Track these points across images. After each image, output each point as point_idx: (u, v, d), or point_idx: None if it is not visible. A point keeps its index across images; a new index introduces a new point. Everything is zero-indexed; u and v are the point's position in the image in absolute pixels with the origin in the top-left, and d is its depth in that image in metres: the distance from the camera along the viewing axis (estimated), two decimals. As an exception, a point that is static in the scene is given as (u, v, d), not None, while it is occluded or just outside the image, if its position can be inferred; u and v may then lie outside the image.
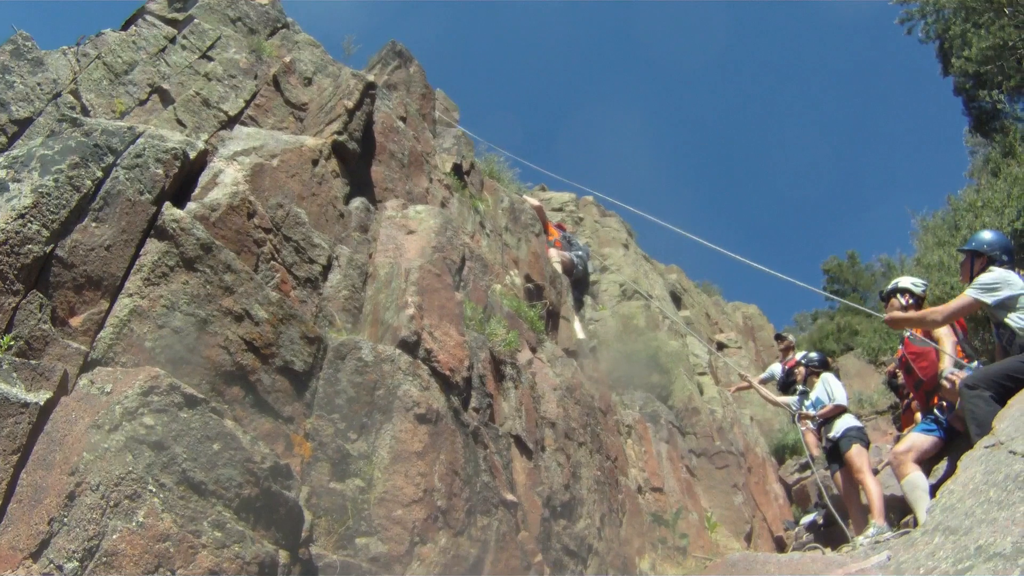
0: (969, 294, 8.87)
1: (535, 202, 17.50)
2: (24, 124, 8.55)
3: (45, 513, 4.69)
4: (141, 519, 4.69)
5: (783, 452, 20.13)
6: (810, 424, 16.33)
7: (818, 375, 13.49)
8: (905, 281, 10.74)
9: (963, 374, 9.11)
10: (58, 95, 9.03)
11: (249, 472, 5.36)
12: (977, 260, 9.38)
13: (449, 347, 8.39)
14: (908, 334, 10.36)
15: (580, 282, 18.28)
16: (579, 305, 17.78)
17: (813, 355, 14.61)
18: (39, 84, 8.95)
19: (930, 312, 9.32)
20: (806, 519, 15.59)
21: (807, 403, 13.38)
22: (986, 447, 7.33)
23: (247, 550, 5.06)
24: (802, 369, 14.59)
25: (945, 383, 9.34)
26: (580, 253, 17.92)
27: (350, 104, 10.26)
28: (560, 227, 19.21)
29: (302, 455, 6.53)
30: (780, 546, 15.90)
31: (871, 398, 23.20)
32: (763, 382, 18.52)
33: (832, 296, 23.77)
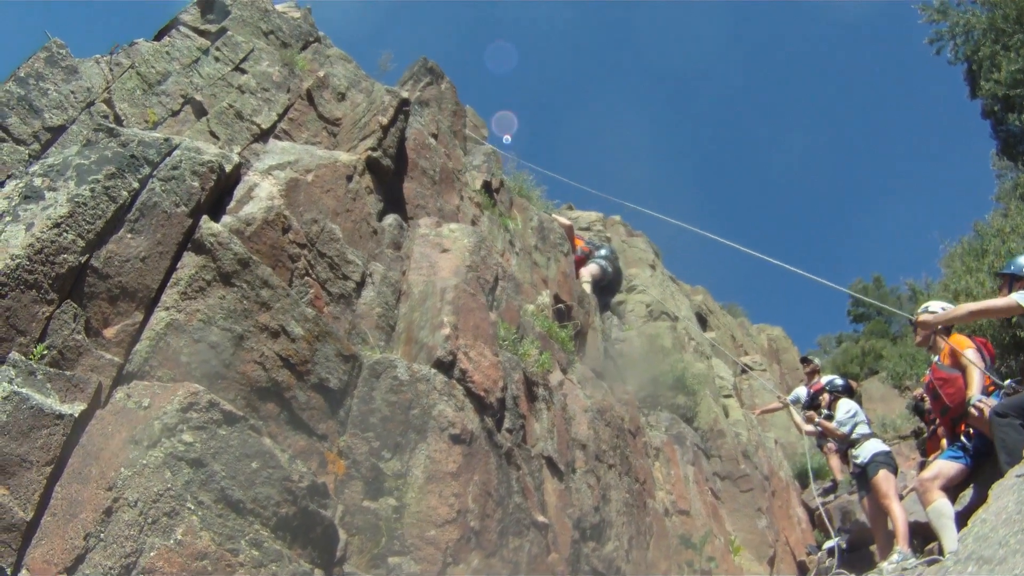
0: (1015, 297, 8.81)
1: (565, 221, 17.44)
2: (57, 132, 8.53)
3: (81, 528, 4.65)
4: (179, 536, 4.65)
5: (806, 476, 20.04)
6: (833, 446, 16.30)
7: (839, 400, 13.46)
8: (935, 306, 10.66)
9: (992, 402, 9.04)
10: (91, 103, 9.01)
11: (287, 491, 5.32)
12: (1016, 283, 9.32)
13: (484, 367, 8.33)
14: (935, 359, 10.28)
15: (613, 283, 18.22)
16: (605, 307, 17.75)
17: (838, 381, 14.56)
18: (73, 92, 8.93)
19: (968, 304, 9.31)
20: (829, 544, 15.50)
21: (832, 425, 13.30)
22: (1018, 476, 7.27)
23: (283, 569, 5.02)
24: (826, 396, 14.52)
25: (973, 411, 9.26)
26: (603, 255, 17.79)
27: (385, 120, 10.22)
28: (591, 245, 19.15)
29: (336, 473, 6.48)
30: (802, 571, 15.84)
31: (894, 423, 23.10)
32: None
33: (858, 295, 23.55)
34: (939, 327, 10.25)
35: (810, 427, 14.91)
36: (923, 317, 9.91)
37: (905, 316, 12.92)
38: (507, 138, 17.05)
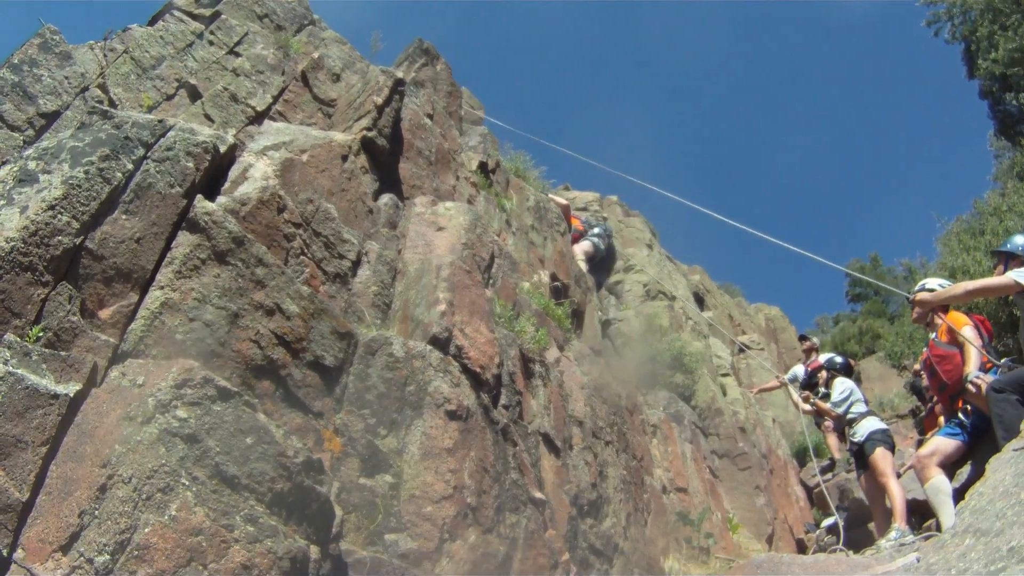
0: (1011, 275, 8.83)
1: (562, 201, 17.46)
2: (52, 117, 8.54)
3: (76, 506, 4.66)
4: (174, 512, 4.67)
5: (804, 454, 20.08)
6: (830, 424, 16.35)
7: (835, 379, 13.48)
8: (932, 283, 10.67)
9: (989, 378, 9.06)
10: (86, 89, 9.02)
11: (282, 466, 5.33)
12: (1012, 262, 9.33)
13: (480, 344, 8.35)
14: (933, 336, 10.31)
15: (606, 260, 18.20)
16: (599, 286, 17.75)
17: (837, 359, 14.59)
18: (67, 78, 8.94)
19: (964, 283, 9.32)
20: (827, 521, 15.56)
21: (827, 406, 13.32)
22: (1015, 450, 7.30)
23: (279, 545, 5.03)
24: (824, 373, 14.55)
25: (970, 387, 9.29)
26: (596, 233, 17.76)
27: (379, 100, 10.22)
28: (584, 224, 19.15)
29: (332, 450, 6.49)
30: (800, 548, 15.89)
31: (892, 402, 23.21)
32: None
33: (853, 272, 23.57)
34: (919, 294, 10.28)
35: (807, 406, 14.95)
36: (921, 296, 9.93)
37: (902, 294, 12.96)
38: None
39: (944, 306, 10.33)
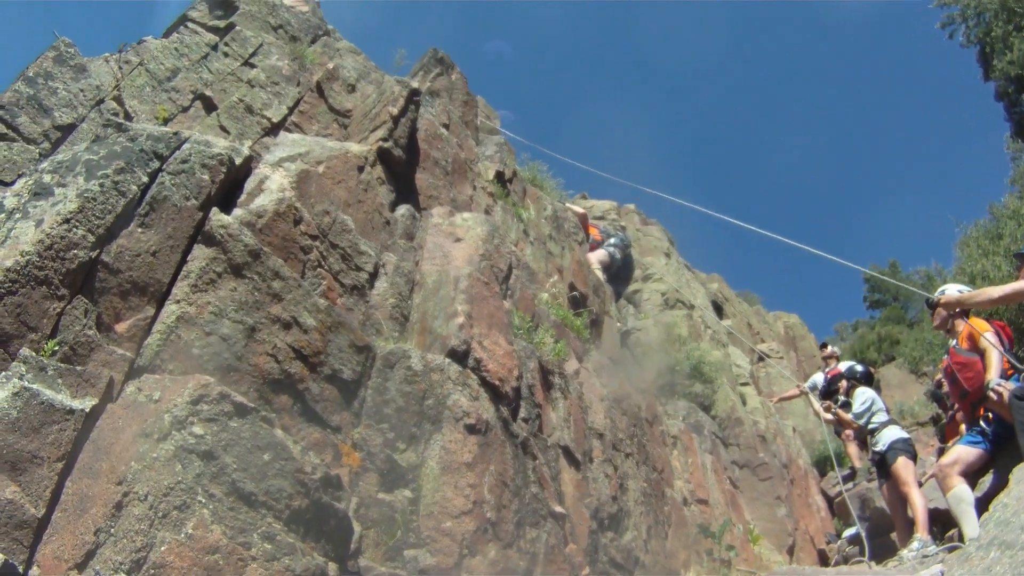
0: None
1: (580, 210, 17.43)
2: (67, 130, 8.51)
3: (91, 523, 4.61)
4: (190, 530, 4.62)
5: (825, 464, 19.99)
6: (851, 433, 16.24)
7: (856, 388, 13.41)
8: (951, 288, 10.60)
9: (1011, 385, 8.96)
10: (101, 101, 8.99)
11: (299, 483, 5.28)
12: None
13: (498, 356, 8.30)
14: (953, 343, 10.21)
15: (623, 270, 18.13)
16: (617, 296, 17.70)
17: (858, 368, 14.53)
18: (82, 90, 8.91)
19: (989, 289, 9.21)
20: (849, 532, 15.46)
21: (848, 416, 13.25)
22: (1039, 459, 7.21)
23: (297, 563, 4.98)
24: (844, 382, 14.48)
25: (992, 394, 9.18)
26: (613, 243, 17.67)
27: (395, 111, 10.19)
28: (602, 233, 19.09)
29: (350, 465, 6.44)
30: (822, 559, 15.80)
31: (912, 409, 23.09)
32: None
33: (873, 273, 23.41)
34: (955, 312, 10.19)
35: (828, 415, 14.87)
36: (946, 298, 9.85)
37: (923, 294, 12.84)
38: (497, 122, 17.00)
39: (965, 312, 10.25)
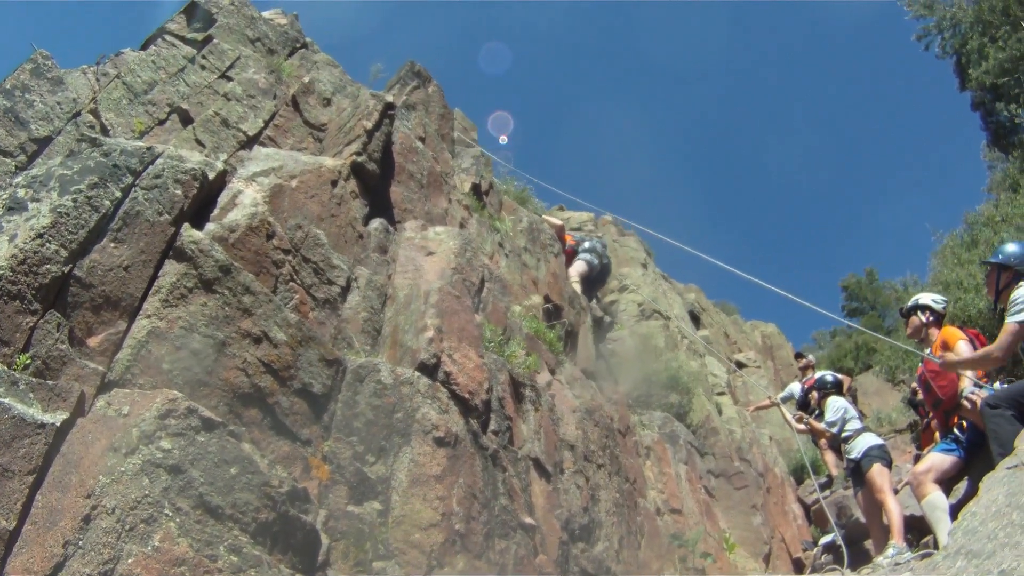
0: (1011, 322, 8.77)
1: (556, 222, 17.50)
2: (44, 143, 8.56)
3: (60, 536, 4.67)
4: (157, 543, 4.67)
5: (802, 472, 20.06)
6: (825, 442, 16.31)
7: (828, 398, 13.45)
8: (925, 298, 10.66)
9: (983, 394, 9.04)
10: (78, 114, 9.04)
11: (266, 496, 5.35)
12: (1004, 273, 9.31)
13: (468, 370, 8.36)
14: (927, 351, 10.27)
15: (600, 276, 18.21)
16: (591, 299, 17.82)
17: (828, 378, 14.54)
18: (59, 103, 8.96)
19: (990, 350, 9.19)
20: (825, 539, 15.54)
21: (821, 426, 13.31)
22: (1008, 468, 7.27)
23: (264, 574, 5.03)
24: (815, 393, 14.55)
25: (965, 403, 9.26)
26: (587, 248, 17.73)
27: (369, 124, 10.24)
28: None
29: (320, 478, 6.49)
30: (799, 567, 15.85)
31: (889, 416, 23.15)
32: (782, 401, 18.54)
33: (852, 324, 23.54)
34: (929, 320, 10.30)
35: (801, 425, 14.94)
36: (949, 357, 9.81)
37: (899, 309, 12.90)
38: (503, 139, 17.07)
39: (938, 320, 10.34)
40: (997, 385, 9.51)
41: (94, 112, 9.25)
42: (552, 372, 11.36)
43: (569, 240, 17.87)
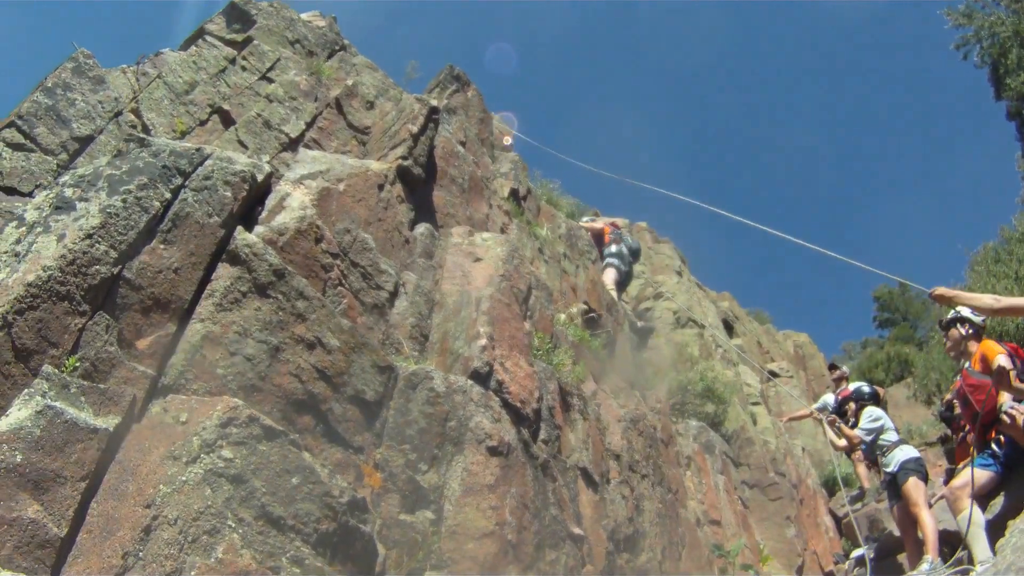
0: None
1: (599, 225, 17.50)
2: (85, 142, 8.52)
3: (119, 546, 4.57)
4: (220, 555, 4.60)
5: (833, 484, 19.92)
6: (859, 454, 16.14)
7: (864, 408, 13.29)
8: (965, 311, 10.55)
9: (1024, 408, 8.94)
10: (119, 113, 8.99)
11: (328, 506, 5.27)
12: None
13: (519, 378, 8.28)
14: (966, 365, 10.15)
15: (625, 280, 18.17)
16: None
17: (865, 388, 14.40)
18: (100, 102, 8.91)
19: (982, 297, 9.15)
20: (856, 553, 15.40)
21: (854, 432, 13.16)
22: (1056, 484, 7.17)
23: (324, 586, 4.93)
24: (852, 404, 14.39)
25: (1005, 417, 9.15)
26: (614, 254, 17.66)
27: (415, 129, 10.18)
28: (614, 225, 19.06)
29: (372, 486, 6.41)
30: (830, 580, 15.73)
31: (920, 429, 22.98)
32: (817, 411, 18.40)
33: (893, 277, 23.11)
34: (969, 334, 10.16)
35: (843, 442, 14.81)
36: (939, 289, 9.73)
37: (923, 289, 12.74)
38: (508, 140, 16.94)
39: (978, 334, 10.22)
40: None
41: (135, 112, 9.21)
42: (596, 381, 11.29)
43: (606, 231, 17.87)
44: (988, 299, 9.21)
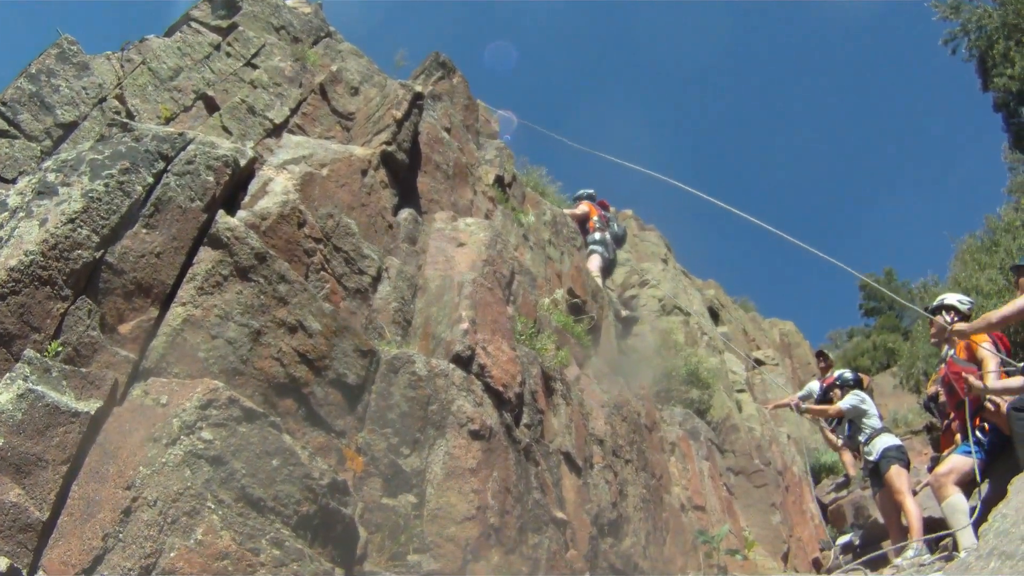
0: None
1: (583, 210, 17.56)
2: (69, 128, 8.51)
3: (99, 528, 4.58)
4: (200, 536, 4.59)
5: (819, 471, 19.97)
6: (838, 438, 16.13)
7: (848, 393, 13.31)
8: (951, 298, 10.62)
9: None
10: (103, 100, 8.98)
11: (308, 489, 5.27)
12: None
13: (502, 362, 8.29)
14: (951, 353, 10.19)
15: (609, 267, 18.23)
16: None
17: (848, 374, 14.43)
18: (84, 88, 8.90)
19: (993, 312, 9.19)
20: (842, 539, 15.44)
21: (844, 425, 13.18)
22: (1038, 470, 7.20)
23: (305, 568, 4.96)
24: (837, 391, 14.42)
25: (989, 405, 9.20)
26: (598, 241, 17.68)
27: (399, 114, 10.17)
28: (603, 205, 19.06)
29: (354, 470, 6.42)
30: (816, 566, 15.76)
31: (906, 417, 23.04)
32: (801, 399, 18.40)
33: (868, 280, 23.13)
34: (954, 321, 10.21)
35: (840, 440, 14.85)
36: (959, 326, 9.80)
37: (917, 310, 12.81)
38: (506, 138, 16.93)
39: (965, 317, 10.28)
40: None
41: (120, 98, 9.20)
42: (580, 366, 11.32)
43: (593, 212, 17.91)
44: (994, 315, 9.27)
